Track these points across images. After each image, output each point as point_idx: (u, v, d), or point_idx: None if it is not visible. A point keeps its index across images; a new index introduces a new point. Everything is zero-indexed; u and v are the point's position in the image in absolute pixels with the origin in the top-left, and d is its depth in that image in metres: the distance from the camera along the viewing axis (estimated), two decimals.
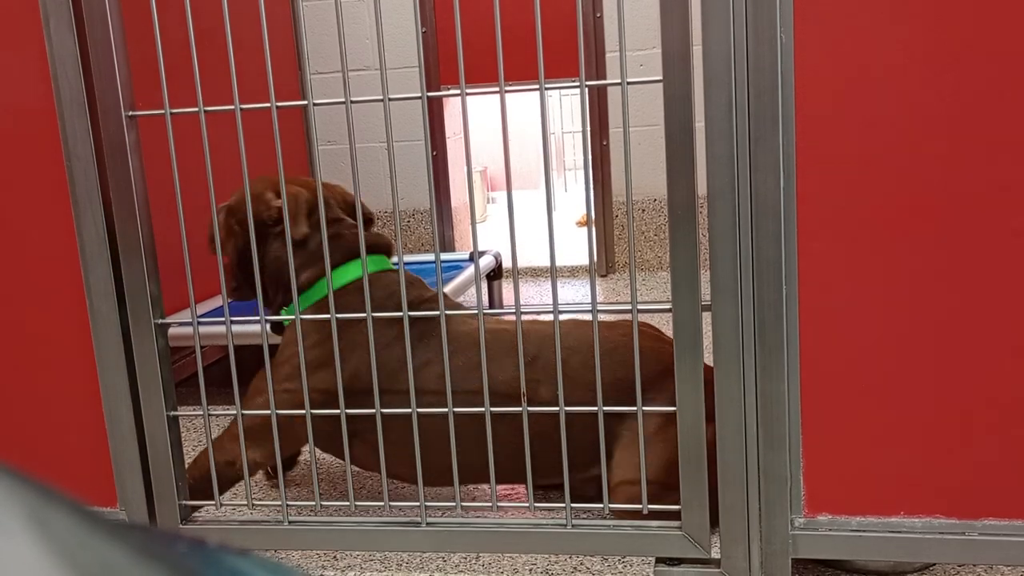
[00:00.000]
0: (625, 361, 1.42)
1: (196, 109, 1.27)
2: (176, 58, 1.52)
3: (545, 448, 1.39)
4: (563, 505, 1.30)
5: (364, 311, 1.48)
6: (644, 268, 3.58)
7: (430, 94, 1.24)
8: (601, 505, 1.29)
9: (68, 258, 1.35)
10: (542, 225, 4.81)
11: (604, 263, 3.60)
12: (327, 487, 1.76)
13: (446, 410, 1.29)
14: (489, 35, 2.95)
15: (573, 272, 3.73)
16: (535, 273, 3.78)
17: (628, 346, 1.44)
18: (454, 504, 1.34)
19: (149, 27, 1.22)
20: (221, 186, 1.49)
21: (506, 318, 1.60)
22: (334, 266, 1.54)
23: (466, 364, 1.44)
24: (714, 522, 1.25)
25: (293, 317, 1.37)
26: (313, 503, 1.40)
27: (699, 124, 1.12)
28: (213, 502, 1.42)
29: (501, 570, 1.38)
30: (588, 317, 1.29)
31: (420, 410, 1.31)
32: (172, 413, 1.38)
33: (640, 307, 1.22)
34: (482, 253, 3.00)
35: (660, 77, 1.14)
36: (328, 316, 1.32)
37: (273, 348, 1.53)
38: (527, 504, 1.35)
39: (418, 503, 1.34)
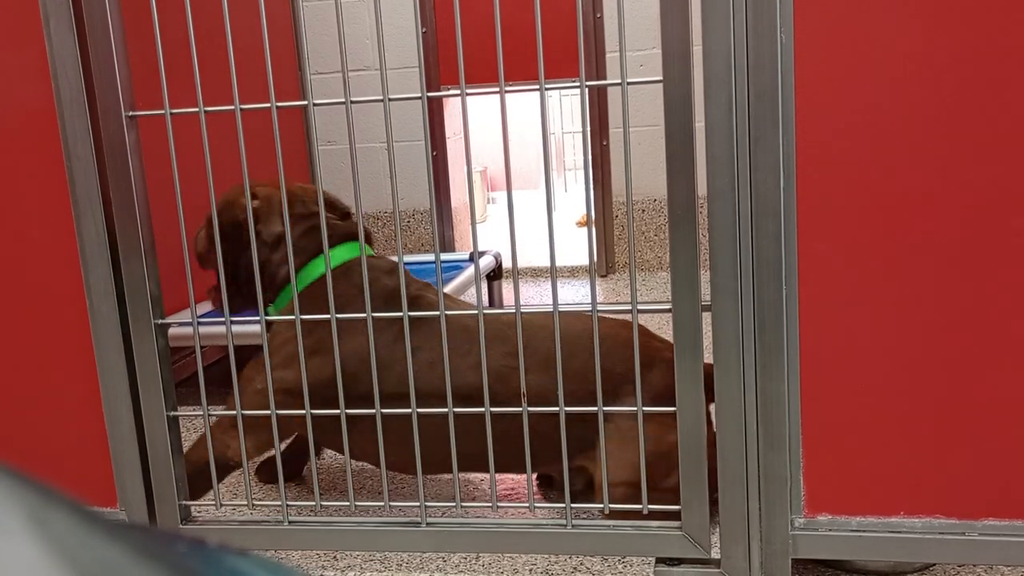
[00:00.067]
0: (608, 352, 1.43)
1: (196, 109, 1.27)
2: (176, 58, 1.52)
3: (530, 438, 1.39)
4: (563, 505, 1.30)
5: (348, 297, 1.50)
6: (644, 268, 3.58)
7: (430, 94, 1.24)
8: (601, 505, 1.29)
9: (68, 258, 1.35)
10: (542, 225, 4.81)
11: (604, 263, 3.60)
12: (327, 487, 1.76)
13: (446, 410, 1.29)
14: (489, 35, 2.95)
15: (573, 272, 3.73)
16: (535, 273, 3.78)
17: (611, 336, 1.46)
18: (454, 504, 1.34)
19: (149, 27, 1.22)
20: (221, 186, 1.49)
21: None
22: (313, 255, 1.58)
23: (453, 351, 1.44)
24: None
25: (287, 313, 1.38)
26: (313, 503, 1.40)
27: (699, 124, 1.12)
28: (212, 502, 1.42)
29: (501, 570, 1.38)
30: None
31: (420, 410, 1.31)
32: (172, 413, 1.38)
33: (640, 307, 1.22)
34: (482, 253, 3.00)
35: (660, 77, 1.14)
36: (318, 312, 1.32)
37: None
38: (527, 504, 1.35)
39: (418, 503, 1.34)
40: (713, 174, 1.14)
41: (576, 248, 4.18)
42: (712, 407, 1.23)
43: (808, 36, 1.09)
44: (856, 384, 1.15)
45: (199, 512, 1.44)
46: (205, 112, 1.27)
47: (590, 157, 1.40)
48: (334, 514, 1.46)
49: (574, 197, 6.82)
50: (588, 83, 1.22)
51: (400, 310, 1.45)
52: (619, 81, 1.16)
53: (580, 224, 5.01)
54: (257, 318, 1.34)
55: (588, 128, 1.28)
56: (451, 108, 3.77)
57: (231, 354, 1.38)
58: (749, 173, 1.13)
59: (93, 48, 1.27)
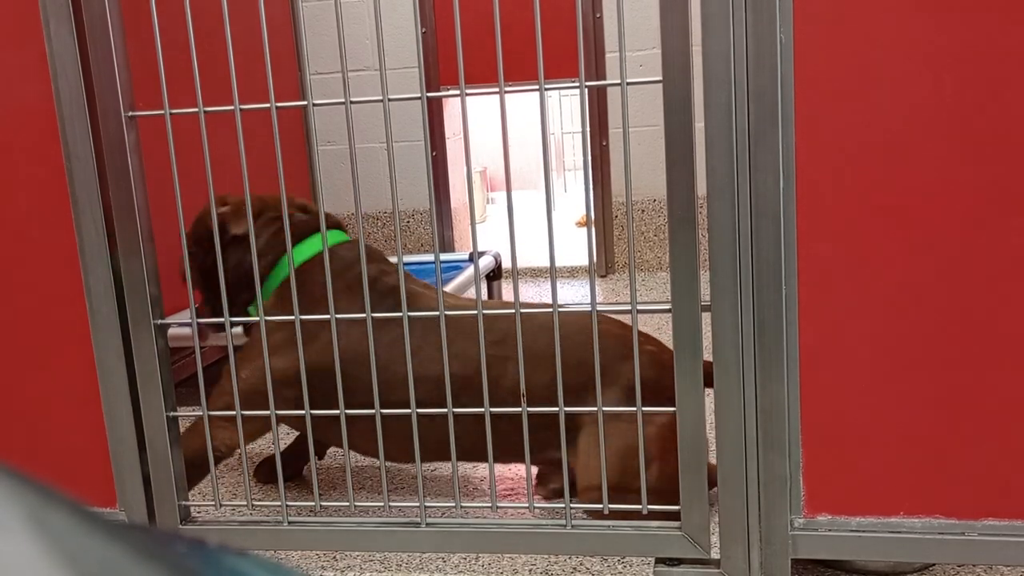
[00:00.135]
0: (587, 343, 1.43)
1: (196, 110, 1.27)
2: (176, 58, 1.52)
3: (507, 428, 1.40)
4: (563, 505, 1.30)
5: (325, 284, 1.52)
6: (644, 268, 3.58)
7: (430, 94, 1.24)
8: (601, 506, 1.29)
9: (68, 258, 1.35)
10: (542, 225, 4.81)
11: (604, 263, 3.60)
12: (327, 487, 1.76)
13: (445, 410, 1.29)
14: (489, 35, 2.95)
15: (573, 272, 3.73)
16: (535, 273, 3.78)
17: (588, 326, 1.46)
18: (454, 504, 1.34)
19: (149, 27, 1.22)
20: (221, 187, 1.49)
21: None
22: (284, 253, 1.60)
23: (438, 344, 1.45)
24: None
25: (269, 307, 1.38)
26: (313, 503, 1.40)
27: (699, 124, 1.12)
28: (212, 502, 1.42)
29: (501, 570, 1.38)
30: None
31: (420, 410, 1.31)
32: (172, 413, 1.38)
33: (640, 307, 1.22)
34: (482, 254, 3.00)
35: (660, 77, 1.14)
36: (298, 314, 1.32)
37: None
38: (527, 504, 1.35)
39: (418, 503, 1.34)
40: (713, 174, 1.14)
41: (576, 248, 4.18)
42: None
43: (808, 36, 1.09)
44: (856, 384, 1.15)
45: (199, 512, 1.44)
46: (205, 112, 1.27)
47: (590, 157, 1.40)
48: (334, 514, 1.46)
49: (574, 197, 6.82)
50: (588, 83, 1.22)
51: (379, 297, 1.46)
52: (619, 81, 1.16)
53: (580, 224, 5.01)
54: (257, 318, 1.34)
55: (588, 128, 1.28)
56: (451, 108, 3.77)
57: (231, 355, 1.38)
58: (749, 173, 1.13)
59: (93, 48, 1.27)
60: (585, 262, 3.80)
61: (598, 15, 3.43)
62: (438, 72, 3.48)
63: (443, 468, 1.80)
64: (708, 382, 1.21)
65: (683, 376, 1.21)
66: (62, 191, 1.33)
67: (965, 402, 1.13)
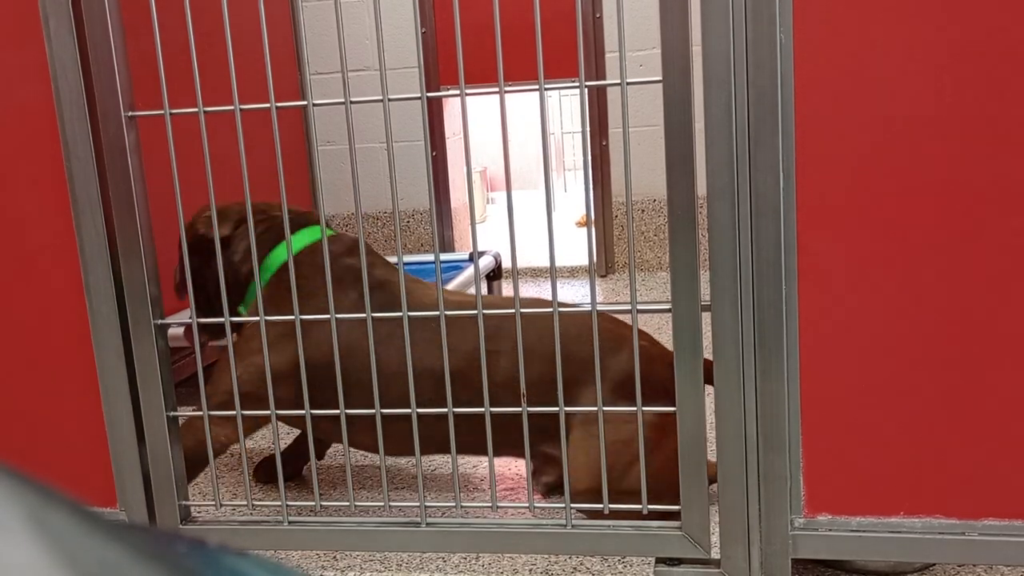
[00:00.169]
0: (578, 336, 1.45)
1: (196, 110, 1.27)
2: (176, 58, 1.52)
3: (497, 421, 1.40)
4: (563, 505, 1.30)
5: (313, 277, 1.53)
6: (644, 268, 3.58)
7: (430, 94, 1.24)
8: (601, 506, 1.29)
9: (68, 258, 1.35)
10: (542, 225, 4.81)
11: (604, 263, 3.60)
12: (327, 487, 1.76)
13: (445, 410, 1.29)
14: (489, 35, 2.95)
15: (573, 272, 3.73)
16: (535, 273, 3.79)
17: (576, 322, 1.48)
18: (454, 504, 1.34)
19: (149, 27, 1.22)
20: (221, 186, 1.49)
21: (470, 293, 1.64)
22: (271, 248, 1.62)
23: (428, 338, 1.46)
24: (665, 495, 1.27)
25: (256, 307, 1.38)
26: (313, 503, 1.40)
27: (699, 124, 1.12)
28: (212, 502, 1.42)
29: (501, 570, 1.38)
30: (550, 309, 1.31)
31: (420, 410, 1.31)
32: (172, 413, 1.38)
33: (640, 307, 1.22)
34: (482, 253, 3.00)
35: (660, 77, 1.14)
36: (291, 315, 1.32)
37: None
38: (527, 504, 1.35)
39: (418, 503, 1.34)
40: (713, 174, 1.14)
41: (576, 248, 4.18)
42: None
43: (808, 36, 1.09)
44: (856, 384, 1.15)
45: (199, 512, 1.44)
46: (204, 112, 1.27)
47: (590, 157, 1.40)
48: (334, 514, 1.46)
49: (574, 197, 6.82)
50: (588, 83, 1.22)
51: (362, 289, 1.48)
52: (619, 81, 1.16)
53: (580, 224, 5.01)
54: (257, 319, 1.34)
55: (588, 128, 1.28)
56: (451, 108, 3.77)
57: (231, 354, 1.38)
58: (749, 173, 1.13)
59: (93, 48, 1.27)
60: (585, 262, 3.80)
61: (598, 15, 3.43)
62: (438, 72, 3.48)
63: (443, 467, 1.80)
64: (708, 380, 1.22)
65: (683, 376, 1.21)
66: (62, 191, 1.33)
67: (965, 402, 1.13)
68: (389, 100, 1.22)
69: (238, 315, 1.64)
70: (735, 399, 1.18)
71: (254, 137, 1.53)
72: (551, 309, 1.25)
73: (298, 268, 1.56)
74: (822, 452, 1.18)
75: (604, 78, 3.44)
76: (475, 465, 1.82)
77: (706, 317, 1.18)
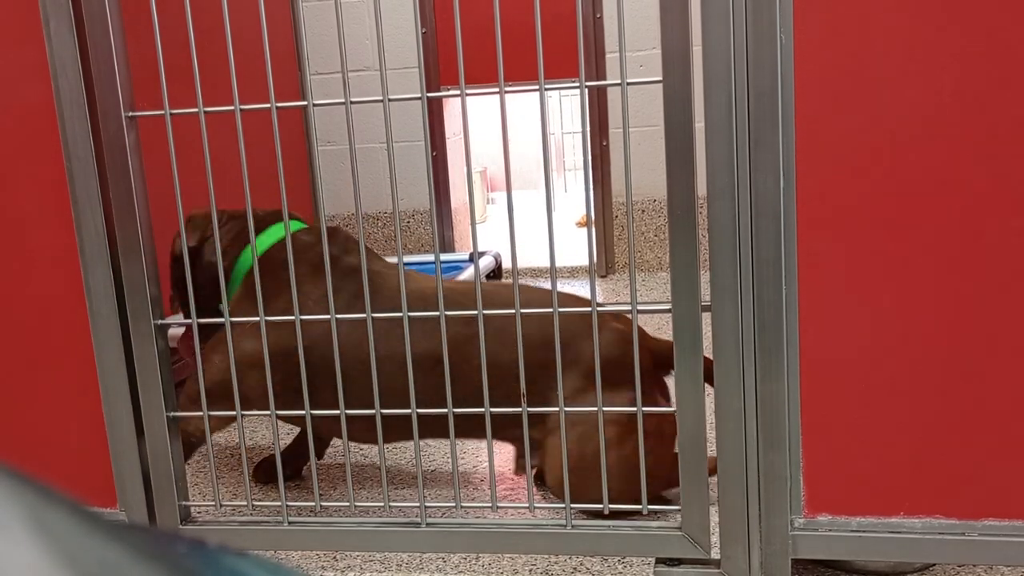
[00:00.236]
0: (548, 320, 1.45)
1: (196, 110, 1.27)
2: (176, 58, 1.52)
3: (477, 404, 1.41)
4: (563, 505, 1.30)
5: (286, 271, 1.55)
6: (644, 268, 3.58)
7: (430, 95, 1.24)
8: (601, 506, 1.29)
9: (68, 258, 1.35)
10: (542, 225, 4.81)
11: (604, 264, 3.60)
12: (327, 487, 1.76)
13: (445, 410, 1.29)
14: (489, 35, 2.95)
15: (573, 273, 3.73)
16: (535, 273, 3.78)
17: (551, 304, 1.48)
18: (454, 504, 1.34)
19: (149, 27, 1.22)
20: (221, 186, 1.49)
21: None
22: (242, 249, 1.65)
23: (400, 322, 1.47)
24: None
25: (239, 299, 1.41)
26: (313, 503, 1.40)
27: (699, 124, 1.12)
28: (212, 502, 1.42)
29: (501, 570, 1.38)
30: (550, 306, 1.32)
31: (420, 411, 1.31)
32: (172, 414, 1.38)
33: (640, 307, 1.22)
34: (482, 254, 3.00)
35: (660, 77, 1.14)
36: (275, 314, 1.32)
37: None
38: (527, 504, 1.35)
39: (418, 503, 1.34)
40: (713, 174, 1.14)
41: (576, 248, 4.18)
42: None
43: (808, 36, 1.09)
44: (856, 384, 1.15)
45: (199, 512, 1.44)
46: (205, 112, 1.27)
47: (590, 157, 1.40)
48: (334, 514, 1.46)
49: (574, 197, 6.82)
50: (588, 83, 1.22)
51: (341, 275, 1.49)
52: (619, 81, 1.16)
53: (580, 224, 5.01)
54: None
55: (588, 128, 1.28)
56: (451, 108, 3.77)
57: (231, 355, 1.38)
58: (749, 173, 1.13)
59: (93, 48, 1.27)
60: (585, 262, 3.80)
61: (598, 15, 3.43)
62: (438, 72, 3.48)
63: (443, 467, 1.80)
64: (708, 379, 1.22)
65: (683, 376, 1.21)
66: (62, 191, 1.33)
67: (965, 402, 1.13)
68: (389, 100, 1.22)
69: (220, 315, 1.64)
70: (735, 399, 1.18)
71: (254, 137, 1.53)
72: (550, 310, 1.25)
73: (271, 263, 1.57)
74: (822, 452, 1.18)
75: (604, 78, 3.44)
76: (475, 465, 1.82)
77: (706, 317, 1.18)
